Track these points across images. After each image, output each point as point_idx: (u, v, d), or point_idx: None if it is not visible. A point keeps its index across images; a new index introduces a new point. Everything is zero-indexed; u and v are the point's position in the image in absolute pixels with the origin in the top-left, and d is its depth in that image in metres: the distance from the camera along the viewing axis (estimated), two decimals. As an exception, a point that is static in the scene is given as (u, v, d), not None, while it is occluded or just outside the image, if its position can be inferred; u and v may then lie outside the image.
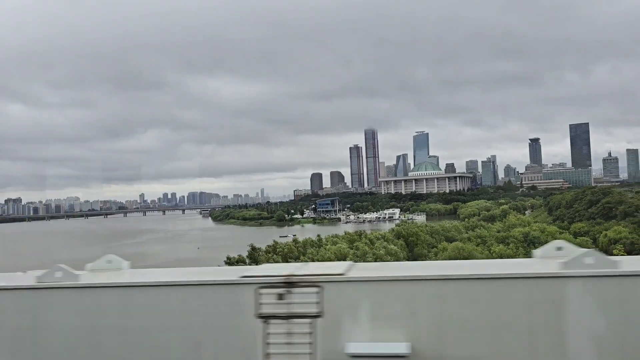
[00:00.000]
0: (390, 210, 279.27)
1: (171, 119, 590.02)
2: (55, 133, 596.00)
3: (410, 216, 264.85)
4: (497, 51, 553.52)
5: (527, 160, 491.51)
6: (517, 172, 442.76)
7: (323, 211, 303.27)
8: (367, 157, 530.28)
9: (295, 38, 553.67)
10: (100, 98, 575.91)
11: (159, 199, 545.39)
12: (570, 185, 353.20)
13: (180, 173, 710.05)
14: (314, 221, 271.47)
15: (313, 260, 68.78)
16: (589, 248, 3.95)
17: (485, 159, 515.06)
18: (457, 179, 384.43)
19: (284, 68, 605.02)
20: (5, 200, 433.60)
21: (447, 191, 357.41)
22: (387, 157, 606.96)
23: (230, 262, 68.77)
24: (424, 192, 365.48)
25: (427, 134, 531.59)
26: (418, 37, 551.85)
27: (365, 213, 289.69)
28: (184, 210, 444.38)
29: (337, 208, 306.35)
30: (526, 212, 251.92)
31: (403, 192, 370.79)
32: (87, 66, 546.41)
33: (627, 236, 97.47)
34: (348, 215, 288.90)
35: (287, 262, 71.91)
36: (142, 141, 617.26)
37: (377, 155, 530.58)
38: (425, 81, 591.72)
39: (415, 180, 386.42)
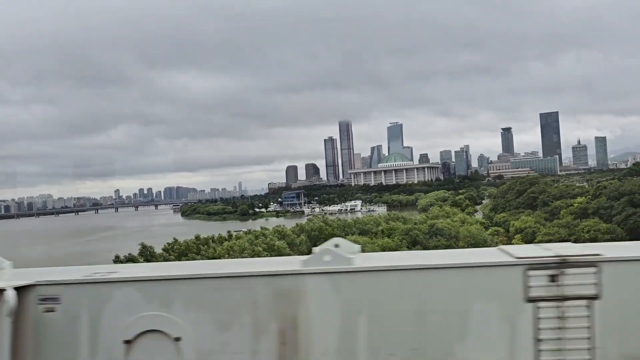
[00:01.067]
0: (353, 203, 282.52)
1: (139, 115, 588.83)
2: (21, 130, 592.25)
3: (371, 207, 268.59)
4: (458, 43, 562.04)
5: (501, 150, 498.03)
6: (490, 161, 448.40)
7: (288, 204, 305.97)
8: (341, 149, 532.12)
9: (259, 31, 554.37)
10: (63, 94, 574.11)
11: (135, 194, 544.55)
12: (537, 174, 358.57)
13: (156, 168, 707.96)
14: (277, 214, 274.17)
15: (202, 258, 71.19)
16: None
17: (459, 149, 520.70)
18: (426, 169, 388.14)
19: (249, 62, 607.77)
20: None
21: (416, 182, 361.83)
22: (362, 148, 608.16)
23: (118, 261, 70.90)
24: (394, 183, 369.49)
25: (401, 125, 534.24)
26: (380, 29, 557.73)
27: (330, 205, 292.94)
28: (157, 206, 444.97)
29: (302, 201, 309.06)
30: (483, 201, 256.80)
31: (372, 184, 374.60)
32: (47, 62, 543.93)
33: (532, 225, 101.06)
34: (313, 208, 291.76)
35: (181, 259, 74.22)
36: (112, 137, 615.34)
37: (351, 147, 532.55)
38: (391, 73, 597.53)
39: (385, 171, 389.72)
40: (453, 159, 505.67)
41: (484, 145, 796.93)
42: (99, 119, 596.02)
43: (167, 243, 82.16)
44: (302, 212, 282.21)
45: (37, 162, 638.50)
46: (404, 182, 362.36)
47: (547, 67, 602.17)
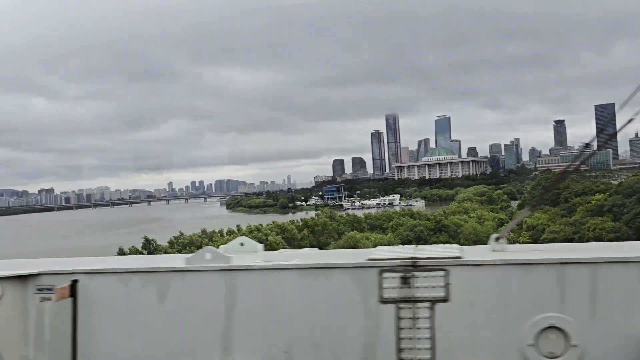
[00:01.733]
0: (391, 197, 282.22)
1: (188, 109, 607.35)
2: (79, 125, 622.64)
3: (409, 202, 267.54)
4: (503, 32, 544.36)
5: (553, 143, 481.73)
6: (540, 154, 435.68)
7: (329, 198, 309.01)
8: (388, 143, 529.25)
9: (298, 26, 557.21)
10: (114, 90, 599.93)
11: (187, 187, 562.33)
12: (587, 168, 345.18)
13: (207, 161, 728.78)
14: (316, 208, 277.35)
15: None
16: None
17: (509, 142, 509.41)
18: (471, 163, 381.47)
19: (290, 56, 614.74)
20: (39, 191, 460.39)
21: (460, 176, 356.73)
22: (410, 142, 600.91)
23: (122, 253, 75.63)
24: (437, 177, 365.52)
25: (449, 118, 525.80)
26: (421, 21, 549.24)
27: (370, 199, 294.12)
28: (205, 199, 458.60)
29: (343, 195, 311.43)
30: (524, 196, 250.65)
31: (416, 177, 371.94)
32: (99, 58, 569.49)
33: (544, 222, 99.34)
34: (353, 202, 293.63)
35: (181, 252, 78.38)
36: (164, 131, 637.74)
37: (398, 141, 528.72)
38: (435, 65, 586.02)
39: (429, 165, 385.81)
40: (503, 153, 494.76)
41: (536, 138, 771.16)
42: (150, 114, 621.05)
43: (173, 236, 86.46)
44: (341, 205, 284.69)
45: (95, 155, 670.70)
46: (448, 177, 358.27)
47: (601, 57, 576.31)
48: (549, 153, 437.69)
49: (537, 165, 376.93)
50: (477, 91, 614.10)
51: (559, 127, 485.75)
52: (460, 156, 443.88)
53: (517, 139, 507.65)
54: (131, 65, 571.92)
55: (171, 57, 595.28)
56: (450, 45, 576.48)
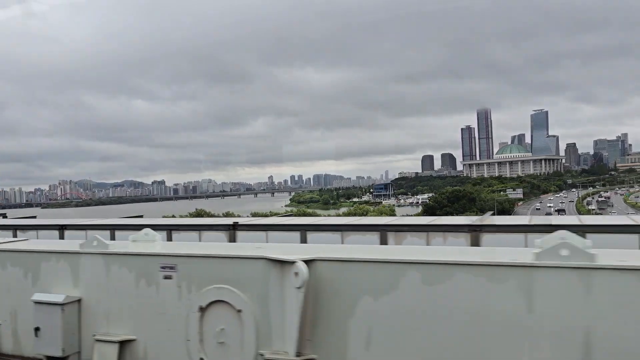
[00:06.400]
0: (425, 196, 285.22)
1: (271, 107, 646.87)
2: (177, 122, 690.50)
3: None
4: (573, 23, 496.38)
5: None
6: (629, 152, 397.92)
7: (377, 195, 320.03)
8: (479, 138, 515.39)
9: (363, 27, 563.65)
10: (199, 91, 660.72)
11: (285, 180, 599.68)
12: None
13: (304, 156, 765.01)
14: (353, 204, 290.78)
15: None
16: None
17: (615, 138, 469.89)
18: (544, 161, 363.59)
19: (358, 56, 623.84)
20: (152, 182, 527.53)
21: (530, 174, 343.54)
22: (502, 137, 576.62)
23: None
24: (507, 175, 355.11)
25: (547, 112, 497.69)
26: (487, 15, 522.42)
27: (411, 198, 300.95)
28: (290, 192, 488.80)
29: (390, 193, 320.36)
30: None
31: (486, 175, 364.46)
32: (182, 64, 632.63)
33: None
34: (400, 200, 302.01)
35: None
36: (253, 128, 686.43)
37: (490, 136, 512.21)
38: (512, 59, 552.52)
39: (499, 163, 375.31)
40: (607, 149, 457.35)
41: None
42: (237, 112, 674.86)
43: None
44: (380, 202, 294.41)
45: (198, 150, 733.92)
46: (516, 175, 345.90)
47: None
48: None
49: (616, 164, 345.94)
50: (564, 84, 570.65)
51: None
52: (557, 153, 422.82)
53: (625, 134, 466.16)
54: (210, 68, 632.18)
55: (244, 59, 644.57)
56: (520, 39, 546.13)
